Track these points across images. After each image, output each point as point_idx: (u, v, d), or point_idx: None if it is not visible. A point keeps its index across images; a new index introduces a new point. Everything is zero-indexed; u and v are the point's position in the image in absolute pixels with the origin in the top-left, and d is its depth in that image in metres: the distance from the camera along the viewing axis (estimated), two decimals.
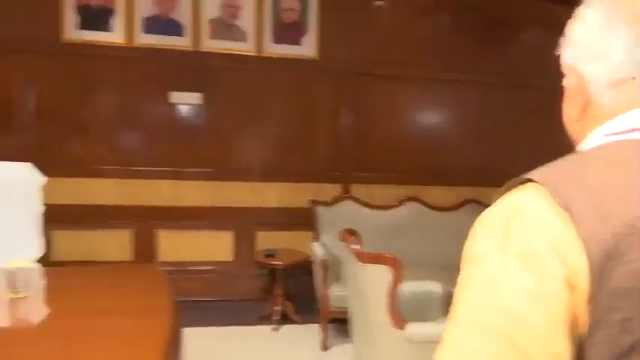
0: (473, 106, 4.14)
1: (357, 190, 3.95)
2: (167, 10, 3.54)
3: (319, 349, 3.16)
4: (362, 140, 3.96)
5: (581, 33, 0.67)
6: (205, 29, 3.59)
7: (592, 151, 0.65)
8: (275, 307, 3.48)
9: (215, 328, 3.33)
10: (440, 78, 4.04)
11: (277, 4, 3.66)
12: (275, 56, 3.72)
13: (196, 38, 3.61)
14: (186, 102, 3.68)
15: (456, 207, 4.02)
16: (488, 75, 4.02)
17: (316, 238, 3.68)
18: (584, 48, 0.67)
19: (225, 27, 3.63)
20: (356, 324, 2.36)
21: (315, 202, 3.77)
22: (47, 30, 3.44)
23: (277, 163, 3.87)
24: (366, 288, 2.12)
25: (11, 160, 3.06)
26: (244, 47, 3.66)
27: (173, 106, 3.69)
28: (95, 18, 3.47)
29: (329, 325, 3.22)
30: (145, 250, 3.72)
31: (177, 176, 3.72)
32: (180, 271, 3.64)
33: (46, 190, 3.04)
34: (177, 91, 3.63)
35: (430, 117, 4.11)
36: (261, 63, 3.72)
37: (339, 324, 3.26)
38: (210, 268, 3.84)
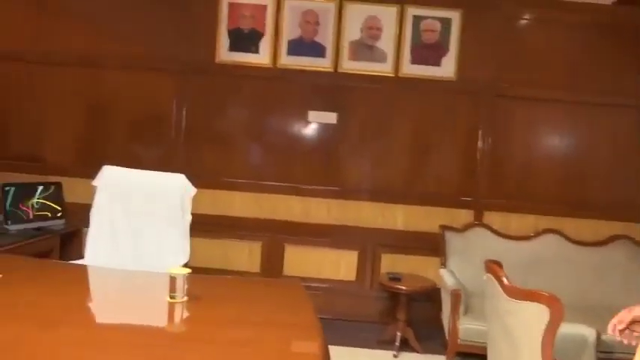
0: (623, 132, 3.75)
1: (490, 217, 3.75)
2: (311, 34, 3.69)
3: None
4: (498, 165, 3.76)
5: None
6: (345, 51, 3.68)
7: None
8: (396, 333, 3.39)
9: (334, 347, 3.31)
10: (586, 101, 3.72)
11: (418, 25, 3.64)
12: (412, 77, 3.69)
13: (336, 60, 3.71)
14: (322, 121, 3.78)
15: (602, 243, 3.65)
16: None
17: (443, 264, 3.54)
18: None
19: (365, 48, 3.69)
20: (497, 358, 2.20)
21: (445, 227, 3.64)
22: (203, 52, 3.76)
23: (407, 184, 3.81)
24: (515, 327, 1.97)
25: (160, 171, 3.37)
26: (382, 68, 3.68)
27: (310, 124, 3.81)
28: (245, 41, 3.71)
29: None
30: (272, 263, 3.85)
31: (307, 193, 3.82)
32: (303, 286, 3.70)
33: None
34: (315, 110, 3.74)
35: (573, 143, 3.79)
36: (397, 84, 3.71)
37: (463, 358, 3.11)
38: (331, 286, 3.86)
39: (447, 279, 3.25)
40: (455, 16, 3.66)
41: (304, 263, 3.85)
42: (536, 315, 1.86)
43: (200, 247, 3.77)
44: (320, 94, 3.78)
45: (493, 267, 2.10)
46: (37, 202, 3.45)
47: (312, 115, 3.77)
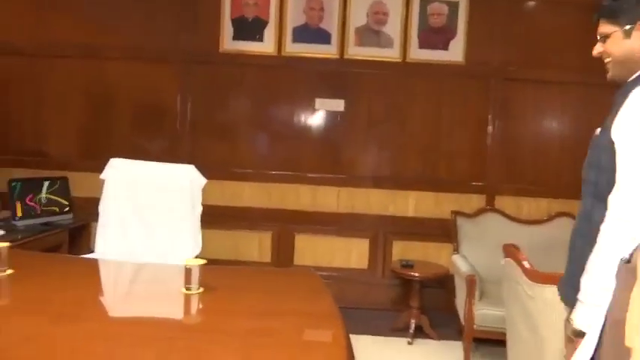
0: None
1: (502, 202, 3.71)
2: (316, 21, 3.63)
3: None
4: (509, 149, 3.71)
5: None
6: (351, 37, 3.62)
7: None
8: (410, 320, 3.38)
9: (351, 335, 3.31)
10: (597, 82, 3.64)
11: (425, 9, 3.59)
12: (420, 62, 3.64)
13: (342, 46, 3.66)
14: (329, 108, 3.74)
15: None
16: None
17: (456, 250, 3.52)
18: None
19: (371, 34, 3.63)
20: (517, 349, 2.17)
21: (456, 213, 3.61)
22: (207, 41, 3.71)
23: (417, 170, 3.78)
24: (536, 311, 1.94)
25: (166, 162, 3.33)
26: (389, 53, 3.63)
27: (317, 112, 3.77)
28: (249, 29, 3.66)
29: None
30: (282, 253, 3.83)
31: (316, 181, 3.79)
32: None
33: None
34: (322, 97, 3.70)
35: (585, 124, 3.73)
36: (405, 69, 3.66)
37: (478, 343, 3.08)
38: (343, 274, 3.83)
39: (460, 265, 3.22)
40: None
41: (315, 252, 3.83)
42: (558, 298, 1.83)
43: (210, 238, 3.74)
44: (326, 81, 3.73)
45: (513, 251, 2.07)
46: (44, 198, 3.43)
47: (318, 102, 3.73)
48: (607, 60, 1.50)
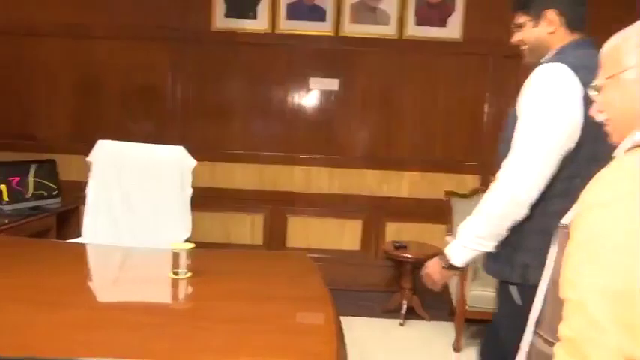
0: None
1: None
2: None
3: (451, 349, 3.00)
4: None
5: None
6: (347, 13, 3.52)
7: None
8: (402, 301, 3.37)
9: (340, 317, 3.30)
10: None
11: None
12: (417, 39, 3.55)
13: (337, 23, 3.56)
14: (324, 88, 3.66)
15: None
16: None
17: (450, 231, 3.48)
18: None
19: (367, 10, 3.53)
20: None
21: (450, 194, 3.56)
22: (198, 19, 3.60)
23: (412, 150, 3.72)
24: None
25: (157, 144, 3.26)
26: (385, 30, 3.54)
27: (311, 91, 3.68)
28: (242, 5, 3.55)
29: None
30: (275, 235, 3.79)
31: (309, 162, 3.73)
32: None
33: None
34: (317, 76, 3.61)
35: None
36: (401, 46, 3.57)
37: (470, 324, 3.09)
38: (336, 256, 3.81)
39: None
40: None
41: (307, 234, 3.79)
42: None
43: (201, 221, 3.69)
44: (321, 59, 3.64)
45: None
46: (31, 181, 3.35)
47: (313, 81, 3.65)
48: (523, 47, 1.66)
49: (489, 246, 1.46)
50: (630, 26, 1.00)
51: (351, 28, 3.54)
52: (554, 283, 0.92)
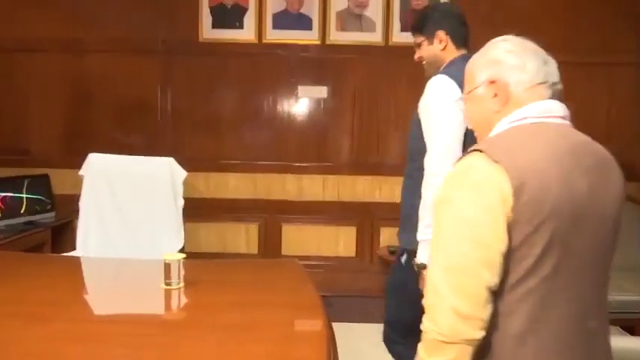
0: (622, 91, 3.68)
1: None
2: (296, 6, 3.57)
3: None
4: None
5: (507, 57, 1.12)
6: (332, 22, 3.56)
7: (508, 131, 1.08)
8: None
9: (337, 323, 3.28)
10: (584, 61, 3.63)
11: None
12: (402, 45, 3.57)
13: (324, 31, 3.60)
14: (313, 95, 3.69)
15: None
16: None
17: None
18: (509, 65, 1.11)
19: (352, 18, 3.57)
20: None
21: None
22: (186, 31, 3.63)
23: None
24: None
25: (149, 156, 3.28)
26: (371, 37, 3.58)
27: (300, 100, 3.71)
28: (228, 17, 3.59)
29: None
30: (270, 244, 3.80)
31: (301, 170, 3.75)
32: (303, 265, 3.66)
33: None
34: (305, 85, 3.64)
35: (572, 104, 3.69)
36: (387, 53, 3.61)
37: None
38: (332, 263, 3.81)
39: None
40: None
41: (303, 242, 3.80)
42: None
43: (196, 231, 3.71)
44: (309, 67, 3.67)
45: None
46: (25, 196, 3.37)
47: (301, 90, 3.68)
48: (423, 63, 2.02)
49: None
50: (488, 43, 1.18)
51: (338, 36, 3.58)
52: None
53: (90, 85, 3.73)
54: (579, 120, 3.86)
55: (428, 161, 1.80)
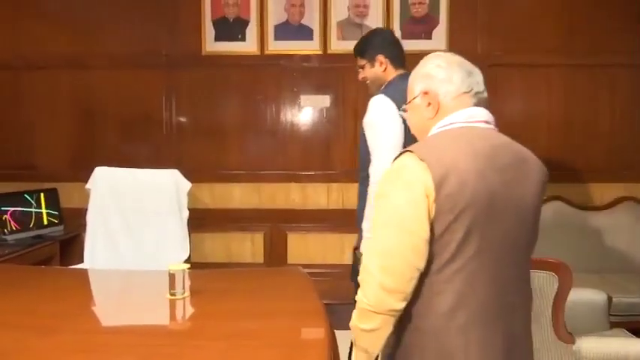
0: (622, 92, 3.68)
1: None
2: (297, 17, 3.61)
3: None
4: None
5: (436, 71, 1.28)
6: (333, 32, 3.60)
7: (437, 134, 1.26)
8: None
9: (344, 331, 3.28)
10: (583, 63, 3.65)
11: None
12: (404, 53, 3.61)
13: (325, 41, 3.64)
14: (315, 105, 3.72)
15: (607, 206, 3.61)
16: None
17: None
18: (439, 78, 1.28)
19: (353, 27, 3.61)
20: None
21: None
22: (189, 44, 3.69)
23: None
24: None
25: (155, 168, 3.32)
26: None
27: (303, 109, 3.74)
28: (230, 29, 3.64)
29: None
30: (275, 253, 3.81)
31: (306, 179, 3.77)
32: (309, 273, 3.67)
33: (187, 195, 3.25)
34: (307, 94, 3.68)
35: (572, 106, 3.70)
36: None
37: None
38: (338, 270, 3.81)
39: None
40: None
41: (308, 250, 3.81)
42: (544, 283, 1.82)
43: (202, 242, 3.75)
44: (311, 77, 3.70)
45: None
46: (34, 211, 3.42)
47: (304, 99, 3.71)
48: (367, 82, 2.32)
49: None
50: (422, 59, 1.35)
51: (339, 45, 3.61)
52: None
53: (95, 100, 3.79)
54: (583, 121, 3.90)
55: (372, 171, 2.08)
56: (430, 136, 1.28)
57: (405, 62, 2.26)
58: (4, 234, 3.23)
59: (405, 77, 2.05)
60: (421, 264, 1.14)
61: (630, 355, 1.84)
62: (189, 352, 1.55)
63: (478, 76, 1.31)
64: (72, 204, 3.58)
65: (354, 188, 3.74)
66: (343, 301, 3.64)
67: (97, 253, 2.88)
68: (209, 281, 2.28)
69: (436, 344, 1.17)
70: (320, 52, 3.63)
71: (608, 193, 3.65)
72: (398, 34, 3.60)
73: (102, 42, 3.73)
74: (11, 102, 3.82)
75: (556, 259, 1.82)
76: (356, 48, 2.33)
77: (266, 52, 3.66)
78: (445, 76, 1.28)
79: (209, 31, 3.65)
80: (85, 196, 3.20)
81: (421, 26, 3.60)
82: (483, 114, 1.28)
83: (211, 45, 3.66)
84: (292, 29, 3.62)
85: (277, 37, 3.62)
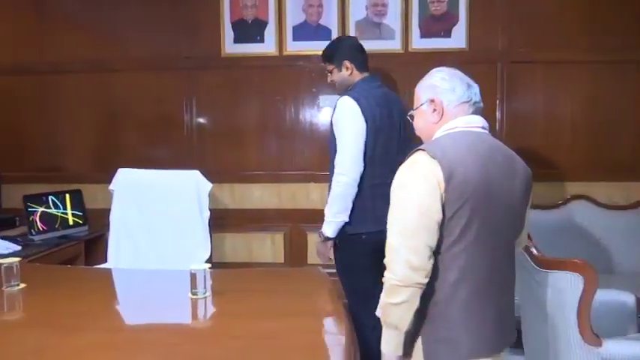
0: None
1: None
2: (315, 17, 3.61)
3: None
4: (518, 134, 3.62)
5: (441, 82, 1.55)
6: (352, 31, 3.59)
7: (443, 136, 1.51)
8: None
9: None
10: (607, 60, 3.56)
11: None
12: (422, 51, 3.58)
13: None
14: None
15: (633, 205, 3.52)
16: None
17: None
18: (443, 89, 1.54)
19: (371, 26, 3.59)
20: (532, 337, 2.12)
21: None
22: (208, 47, 3.72)
23: None
24: (547, 299, 1.89)
25: (176, 169, 3.36)
26: (391, 45, 3.58)
27: (322, 109, 3.74)
28: (249, 31, 3.66)
29: None
30: (295, 253, 3.81)
31: (326, 179, 3.72)
32: (328, 274, 3.66)
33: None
34: (326, 94, 3.68)
35: (597, 104, 3.62)
36: (407, 60, 3.60)
37: None
38: None
39: None
40: None
41: None
42: (569, 284, 1.79)
43: (223, 242, 3.78)
44: None
45: None
46: (60, 211, 3.49)
47: (323, 99, 3.71)
48: (335, 84, 2.64)
49: (345, 216, 2.38)
50: (429, 72, 1.62)
51: None
52: None
53: (118, 103, 3.85)
54: (609, 119, 3.80)
55: (337, 162, 2.36)
56: (437, 138, 1.52)
57: (368, 66, 2.59)
58: (32, 234, 3.31)
59: (368, 80, 2.52)
60: (434, 243, 1.38)
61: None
62: (210, 351, 1.57)
63: (476, 89, 1.57)
64: (96, 205, 3.65)
65: None
66: None
67: (120, 252, 2.93)
68: (230, 281, 2.30)
69: (444, 312, 1.42)
70: None
71: (634, 191, 3.56)
72: (417, 32, 3.60)
73: (124, 46, 3.80)
74: (38, 106, 3.91)
75: (581, 259, 1.78)
76: (325, 54, 2.61)
77: (284, 53, 3.67)
78: (449, 87, 1.53)
79: (228, 33, 3.68)
80: (109, 196, 3.27)
81: (440, 24, 3.56)
82: (480, 120, 1.54)
83: (230, 47, 3.69)
84: (310, 30, 3.62)
85: (296, 38, 3.63)
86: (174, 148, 3.82)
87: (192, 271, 1.99)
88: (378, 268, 1.48)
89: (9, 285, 2.07)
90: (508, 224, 1.48)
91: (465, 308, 1.41)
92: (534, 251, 1.89)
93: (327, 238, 2.42)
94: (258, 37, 3.66)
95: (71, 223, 3.53)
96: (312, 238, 3.81)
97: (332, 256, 2.49)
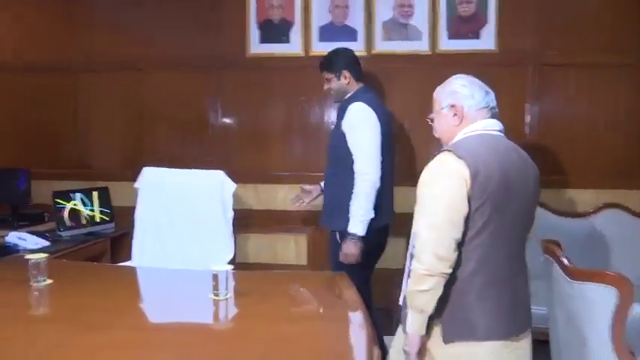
0: None
1: (544, 194, 3.52)
2: (341, 18, 3.59)
3: None
4: (549, 139, 3.54)
5: (462, 89, 1.71)
6: (378, 32, 3.56)
7: (465, 138, 1.66)
8: None
9: (386, 337, 3.23)
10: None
11: None
12: (450, 53, 3.52)
13: (369, 42, 3.60)
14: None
15: None
16: None
17: None
18: (463, 94, 1.70)
19: (398, 27, 3.55)
20: (561, 348, 2.05)
21: None
22: (234, 47, 3.74)
23: None
24: (579, 312, 1.82)
25: (201, 169, 3.38)
26: (418, 46, 3.54)
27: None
28: (275, 31, 3.67)
29: None
30: (318, 255, 3.79)
31: None
32: None
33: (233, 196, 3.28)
34: None
35: (632, 108, 3.49)
36: (435, 61, 3.55)
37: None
38: (381, 274, 3.74)
39: None
40: None
41: None
42: (602, 297, 1.71)
43: (246, 243, 3.78)
44: None
45: (551, 247, 1.96)
46: (87, 208, 3.55)
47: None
48: (332, 92, 2.83)
49: (372, 213, 2.55)
50: (448, 79, 1.78)
51: (384, 46, 3.56)
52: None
53: (145, 102, 3.91)
54: (633, 122, 3.62)
55: (360, 163, 2.53)
56: (460, 140, 1.66)
57: (363, 77, 2.82)
58: (60, 230, 3.37)
59: (365, 90, 2.74)
60: (459, 235, 1.52)
61: None
62: (230, 353, 1.56)
63: (492, 95, 1.72)
64: (123, 202, 3.70)
65: (398, 191, 3.69)
66: (390, 305, 3.60)
67: (145, 250, 2.95)
68: (252, 283, 2.30)
69: (462, 298, 1.57)
70: (364, 53, 3.57)
71: None
72: (445, 33, 3.54)
73: (152, 46, 3.84)
74: (69, 104, 4.00)
75: (615, 272, 1.70)
76: (324, 63, 2.80)
77: (310, 54, 3.65)
78: (469, 93, 1.69)
79: (254, 33, 3.69)
80: (135, 194, 3.31)
81: (468, 25, 3.49)
82: (497, 124, 1.69)
83: (256, 47, 3.70)
84: (336, 30, 3.60)
85: (322, 39, 3.61)
86: (199, 148, 3.84)
87: (214, 272, 1.99)
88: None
89: (36, 280, 2.11)
90: (522, 219, 1.62)
91: (480, 296, 1.56)
92: (565, 261, 1.82)
93: (361, 238, 2.53)
94: (284, 38, 3.66)
95: (98, 220, 3.59)
96: None
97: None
